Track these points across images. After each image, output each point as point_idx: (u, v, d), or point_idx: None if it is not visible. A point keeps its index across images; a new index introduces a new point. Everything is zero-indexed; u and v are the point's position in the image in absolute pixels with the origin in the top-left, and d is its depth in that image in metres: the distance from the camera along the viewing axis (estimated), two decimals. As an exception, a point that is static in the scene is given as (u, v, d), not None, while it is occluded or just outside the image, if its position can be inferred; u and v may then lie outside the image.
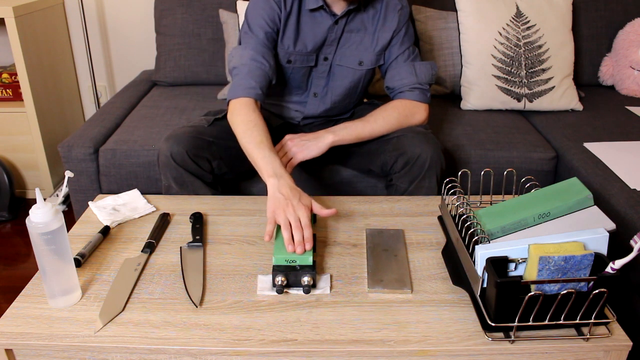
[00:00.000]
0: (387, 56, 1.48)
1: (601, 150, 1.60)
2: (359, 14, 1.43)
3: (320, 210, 1.10)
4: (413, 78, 1.44)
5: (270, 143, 1.21)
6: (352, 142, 1.38)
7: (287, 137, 1.37)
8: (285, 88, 1.52)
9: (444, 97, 2.07)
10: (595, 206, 1.01)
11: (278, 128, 1.58)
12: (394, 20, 1.43)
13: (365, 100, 1.68)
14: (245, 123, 1.24)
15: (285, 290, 0.98)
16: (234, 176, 1.49)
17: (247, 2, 1.63)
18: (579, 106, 1.93)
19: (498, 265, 0.87)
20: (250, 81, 1.30)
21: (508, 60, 1.88)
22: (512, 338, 0.86)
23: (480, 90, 1.91)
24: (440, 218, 1.21)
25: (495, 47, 1.88)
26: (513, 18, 1.90)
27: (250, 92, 1.30)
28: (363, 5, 1.42)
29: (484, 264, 0.87)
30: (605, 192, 1.41)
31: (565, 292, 0.82)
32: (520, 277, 0.89)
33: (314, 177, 1.60)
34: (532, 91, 1.89)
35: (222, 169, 1.41)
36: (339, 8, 1.39)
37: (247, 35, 1.37)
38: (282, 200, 1.06)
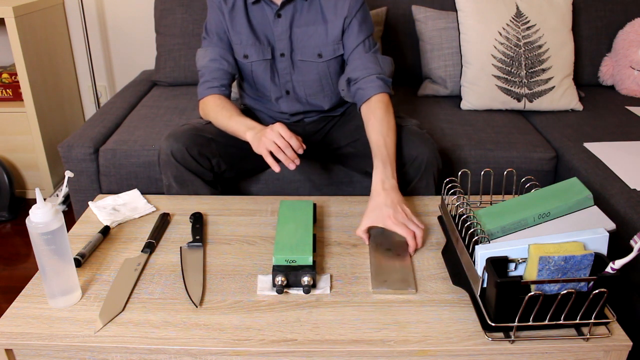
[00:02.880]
0: (346, 45, 1.44)
1: (601, 150, 1.60)
2: (312, 7, 1.41)
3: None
4: (377, 68, 1.41)
5: (240, 114, 1.34)
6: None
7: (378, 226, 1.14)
8: (257, 91, 1.52)
9: (444, 97, 2.07)
10: (595, 206, 1.01)
11: None
12: (344, 7, 1.41)
13: None
14: (214, 107, 1.39)
15: (285, 290, 0.98)
16: (234, 174, 1.49)
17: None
18: (579, 106, 1.93)
19: (498, 265, 0.87)
20: (213, 81, 1.43)
21: (508, 60, 1.88)
22: (512, 338, 0.86)
23: (480, 90, 1.91)
24: (440, 218, 1.21)
25: (495, 47, 1.88)
26: (513, 18, 1.90)
27: (214, 90, 1.42)
28: None
29: (484, 264, 0.87)
30: (605, 192, 1.41)
31: (565, 292, 0.82)
32: (520, 277, 0.89)
33: (314, 177, 1.60)
34: (532, 91, 1.89)
35: (222, 167, 1.41)
36: None
37: (205, 39, 1.48)
38: (262, 136, 1.21)
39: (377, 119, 1.31)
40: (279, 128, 1.20)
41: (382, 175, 1.20)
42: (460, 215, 1.07)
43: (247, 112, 1.60)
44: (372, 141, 1.30)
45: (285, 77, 1.48)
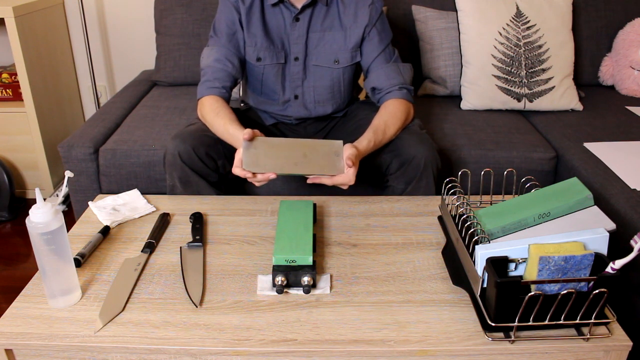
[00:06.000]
0: (365, 53, 1.45)
1: (601, 150, 1.60)
2: (329, 12, 1.42)
3: None
4: (400, 78, 1.44)
5: (234, 123, 1.29)
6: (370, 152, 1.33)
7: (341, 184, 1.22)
8: (264, 93, 1.51)
9: (444, 97, 2.07)
10: (595, 206, 1.01)
11: (272, 126, 1.58)
12: (365, 15, 1.42)
13: (361, 98, 1.68)
14: (210, 111, 1.36)
15: (285, 290, 0.98)
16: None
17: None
18: (579, 106, 1.93)
19: (498, 265, 0.87)
20: (215, 82, 1.41)
21: (508, 60, 1.88)
22: (512, 338, 0.86)
23: (480, 90, 1.91)
24: (440, 218, 1.21)
25: (495, 47, 1.88)
26: (513, 18, 1.90)
27: (214, 91, 1.40)
28: (327, 2, 1.41)
29: (484, 264, 0.87)
30: (605, 192, 1.41)
31: (565, 292, 0.82)
32: (520, 277, 0.89)
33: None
34: (532, 91, 1.89)
35: (227, 168, 1.41)
36: (299, 1, 1.39)
37: (212, 38, 1.46)
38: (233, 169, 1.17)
39: (387, 111, 1.38)
40: (240, 174, 1.16)
41: (365, 147, 1.26)
42: (460, 215, 1.07)
43: (249, 110, 1.60)
44: (372, 122, 1.34)
45: (296, 81, 1.48)
